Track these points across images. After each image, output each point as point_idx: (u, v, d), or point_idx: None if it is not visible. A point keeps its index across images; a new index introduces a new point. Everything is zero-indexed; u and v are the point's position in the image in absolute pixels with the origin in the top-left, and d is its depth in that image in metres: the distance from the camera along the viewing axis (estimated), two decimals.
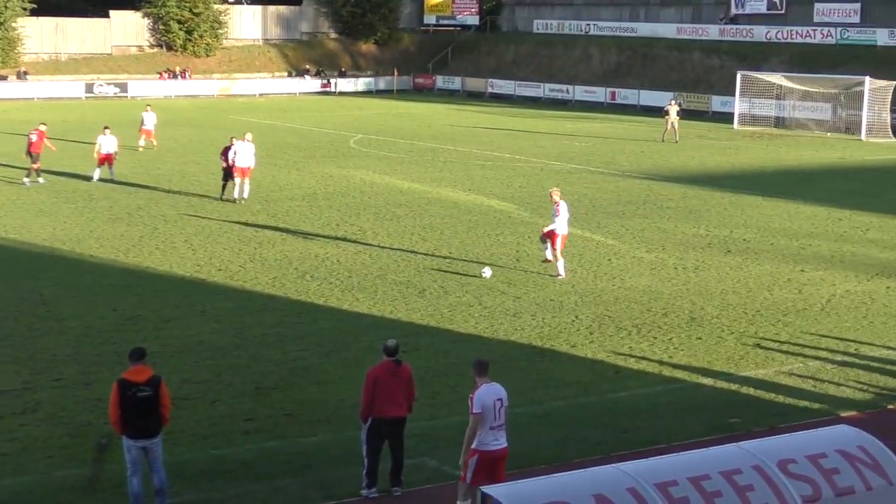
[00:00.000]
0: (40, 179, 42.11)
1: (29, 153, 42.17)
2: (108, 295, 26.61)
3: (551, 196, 28.65)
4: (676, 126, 58.75)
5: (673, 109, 59.60)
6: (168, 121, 67.57)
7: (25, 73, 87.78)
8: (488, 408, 14.29)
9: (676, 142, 57.48)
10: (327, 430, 18.23)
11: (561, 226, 28.02)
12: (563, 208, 28.10)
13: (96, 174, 43.26)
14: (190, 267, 29.43)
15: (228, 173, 38.87)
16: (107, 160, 43.13)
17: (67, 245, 31.98)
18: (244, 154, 38.73)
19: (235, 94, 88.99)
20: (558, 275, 28.18)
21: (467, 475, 14.40)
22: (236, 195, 38.62)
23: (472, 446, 14.37)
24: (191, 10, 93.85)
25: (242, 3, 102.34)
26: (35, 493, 15.93)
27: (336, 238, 33.09)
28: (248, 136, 39.88)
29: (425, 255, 30.96)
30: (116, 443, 16.00)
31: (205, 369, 21.20)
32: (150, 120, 52.23)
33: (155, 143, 52.53)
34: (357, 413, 16.08)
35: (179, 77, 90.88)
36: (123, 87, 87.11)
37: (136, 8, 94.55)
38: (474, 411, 14.27)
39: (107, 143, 43.24)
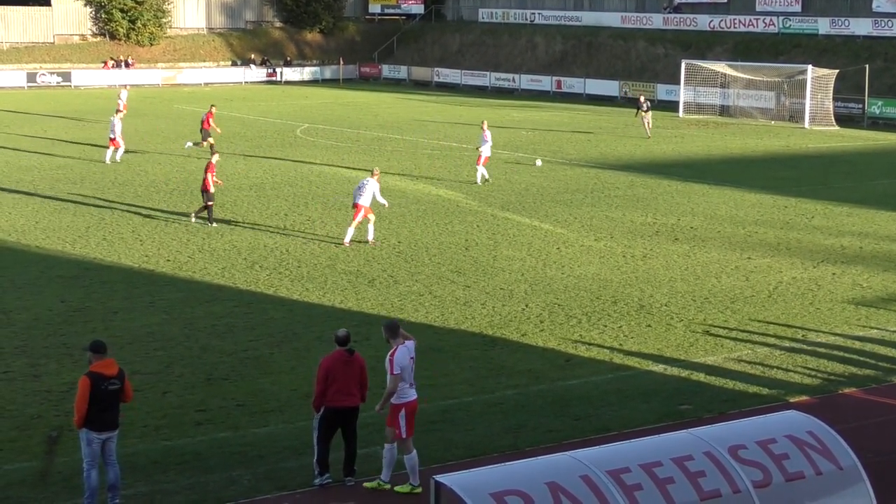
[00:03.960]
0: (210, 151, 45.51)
1: (202, 130, 48.24)
2: (56, 286, 26.40)
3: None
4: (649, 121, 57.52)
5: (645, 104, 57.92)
6: (113, 110, 67.08)
7: None
8: (406, 367, 15.41)
9: (648, 137, 56.64)
10: (279, 420, 18.20)
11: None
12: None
13: (108, 155, 45.47)
14: (138, 258, 29.24)
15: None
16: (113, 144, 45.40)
17: (13, 236, 31.66)
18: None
19: (180, 84, 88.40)
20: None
21: (402, 430, 15.41)
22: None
23: (395, 402, 15.41)
24: None
25: None
26: None
27: (285, 228, 32.99)
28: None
29: (374, 244, 30.93)
30: (66, 436, 15.90)
31: (155, 360, 21.09)
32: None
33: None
34: (310, 403, 16.08)
35: (123, 66, 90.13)
36: (67, 76, 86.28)
37: None
38: (394, 372, 15.30)
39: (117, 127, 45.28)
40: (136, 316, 24.04)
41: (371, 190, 30.70)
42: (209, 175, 33.01)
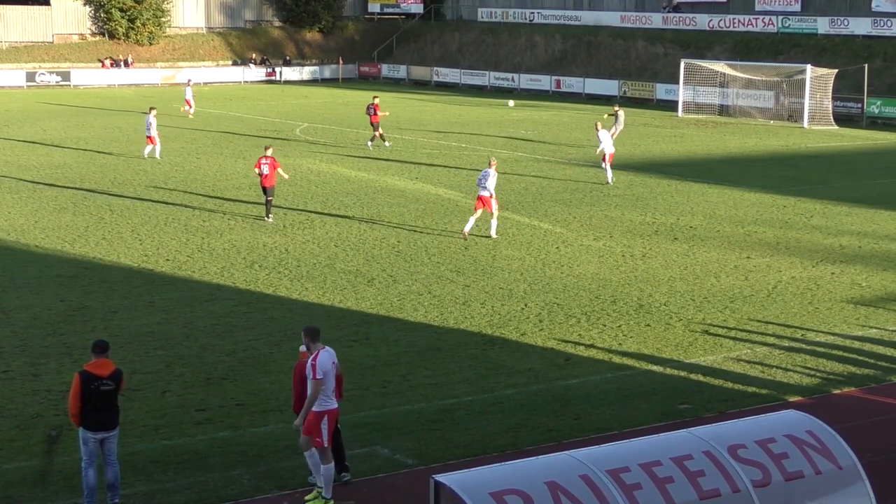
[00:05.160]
0: (386, 143, 50.42)
1: (371, 123, 50.30)
2: (55, 286, 26.41)
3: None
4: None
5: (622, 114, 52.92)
6: (112, 109, 67.14)
7: None
8: (328, 372, 14.98)
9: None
10: (279, 419, 18.20)
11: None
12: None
13: (147, 151, 46.38)
14: (137, 257, 29.25)
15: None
16: (150, 140, 46.17)
17: (12, 235, 31.66)
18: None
19: (180, 83, 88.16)
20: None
21: (324, 439, 14.98)
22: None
23: (318, 409, 14.95)
24: None
25: None
26: None
27: (284, 227, 33.00)
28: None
29: (373, 243, 30.95)
30: (66, 435, 15.92)
31: (155, 360, 21.10)
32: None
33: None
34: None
35: (123, 66, 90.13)
36: (66, 75, 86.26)
37: None
38: (317, 377, 14.84)
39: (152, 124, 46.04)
40: (135, 315, 24.05)
41: (493, 180, 31.47)
42: (276, 170, 33.68)
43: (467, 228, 31.58)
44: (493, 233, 31.71)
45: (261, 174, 33.59)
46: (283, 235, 31.91)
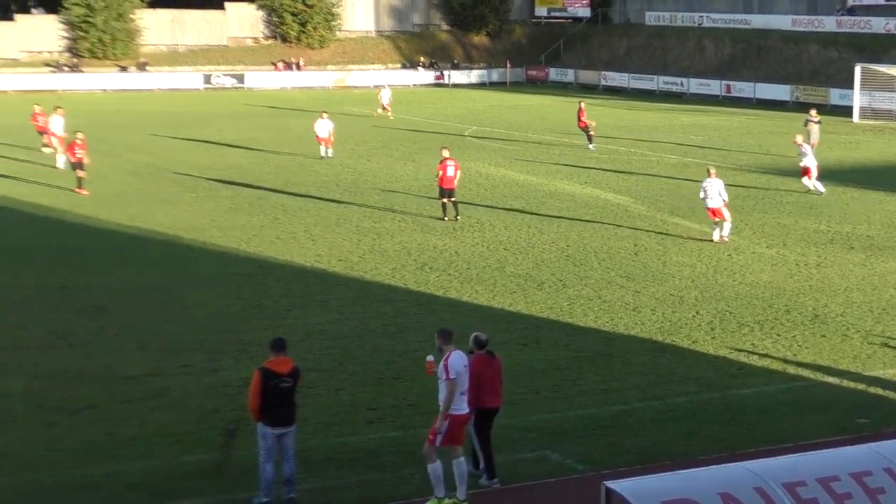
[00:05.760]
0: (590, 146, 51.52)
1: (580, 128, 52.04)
2: (232, 283, 27.07)
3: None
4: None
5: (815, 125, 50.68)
6: (285, 110, 68.50)
7: (145, 63, 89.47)
8: (461, 373, 15.02)
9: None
10: None
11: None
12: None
13: (322, 152, 47.82)
14: (310, 257, 29.79)
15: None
16: (324, 142, 47.70)
17: (191, 234, 32.55)
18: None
19: (350, 86, 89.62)
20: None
21: (439, 439, 15.02)
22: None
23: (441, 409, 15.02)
24: (304, 2, 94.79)
25: None
26: (164, 476, 16.26)
27: (454, 230, 33.22)
28: None
29: (543, 247, 30.96)
30: (243, 429, 16.29)
31: (328, 358, 21.47)
32: (323, 128, 48.24)
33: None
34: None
35: (294, 68, 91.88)
36: (240, 78, 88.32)
37: (251, 0, 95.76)
38: (450, 377, 14.91)
39: (321, 127, 47.58)
40: (309, 314, 24.51)
41: (717, 188, 31.86)
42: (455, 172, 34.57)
43: (716, 237, 31.89)
44: (725, 235, 31.93)
45: (443, 175, 34.13)
46: (454, 238, 32.13)
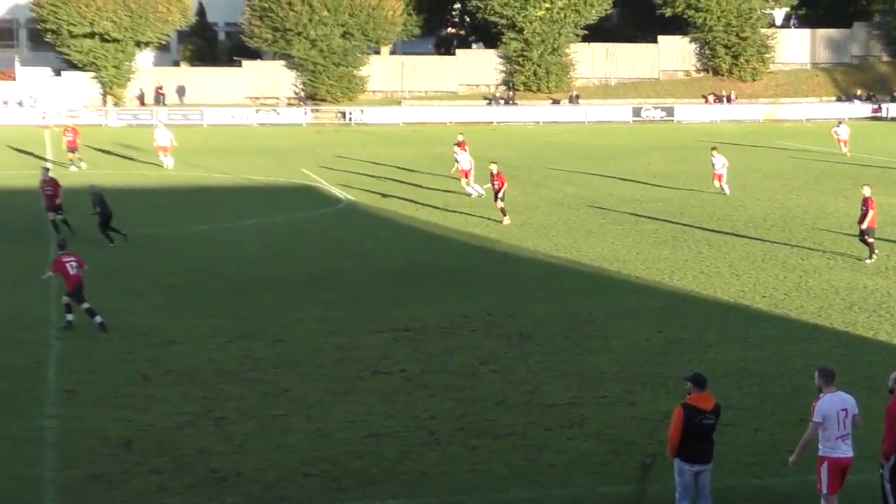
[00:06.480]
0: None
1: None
2: (653, 316, 27.13)
3: None
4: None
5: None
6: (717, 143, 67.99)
7: (577, 96, 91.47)
8: (830, 417, 14.87)
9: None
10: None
11: None
12: None
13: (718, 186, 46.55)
14: (733, 292, 29.41)
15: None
16: (717, 178, 46.36)
17: (614, 266, 32.90)
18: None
19: (781, 119, 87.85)
20: None
21: (822, 486, 14.94)
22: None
23: (822, 453, 14.94)
24: (738, 35, 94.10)
25: (790, 27, 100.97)
26: None
27: (885, 269, 31.85)
28: None
29: None
30: (660, 464, 16.27)
31: (748, 396, 21.12)
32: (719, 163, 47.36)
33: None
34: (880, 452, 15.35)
35: (725, 101, 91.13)
36: (670, 110, 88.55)
37: (683, 33, 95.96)
38: (814, 419, 14.94)
39: (717, 163, 46.31)
40: (730, 350, 24.20)
41: None
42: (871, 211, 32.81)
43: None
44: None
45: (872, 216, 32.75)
46: (885, 278, 30.82)
